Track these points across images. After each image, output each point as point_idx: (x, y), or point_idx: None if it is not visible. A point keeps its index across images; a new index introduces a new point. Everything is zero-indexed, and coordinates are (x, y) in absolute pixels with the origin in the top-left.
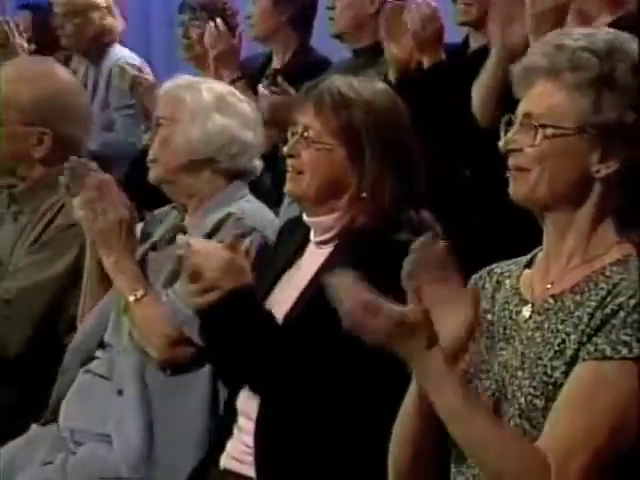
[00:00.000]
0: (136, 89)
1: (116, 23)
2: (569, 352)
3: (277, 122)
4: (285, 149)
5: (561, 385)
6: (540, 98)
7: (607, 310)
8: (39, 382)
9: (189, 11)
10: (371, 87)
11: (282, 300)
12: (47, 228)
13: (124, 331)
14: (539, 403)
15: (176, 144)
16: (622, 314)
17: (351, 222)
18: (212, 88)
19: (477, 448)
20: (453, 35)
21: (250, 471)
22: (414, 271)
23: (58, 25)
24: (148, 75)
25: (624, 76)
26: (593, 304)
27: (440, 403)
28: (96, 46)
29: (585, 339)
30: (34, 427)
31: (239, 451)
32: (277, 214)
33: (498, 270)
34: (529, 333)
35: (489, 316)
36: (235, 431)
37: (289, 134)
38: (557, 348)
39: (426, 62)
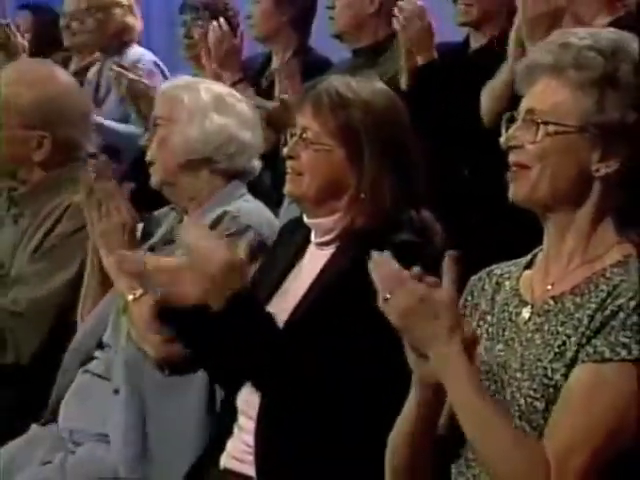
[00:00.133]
0: (130, 94)
1: (137, 22)
2: (569, 354)
3: (276, 125)
4: (284, 150)
5: (561, 387)
6: (543, 95)
7: (607, 312)
8: (39, 382)
9: (191, 11)
10: (369, 87)
11: (285, 302)
12: (49, 235)
13: (123, 331)
14: (539, 405)
15: (174, 144)
16: (622, 316)
17: (351, 223)
18: (210, 88)
19: (483, 439)
20: (453, 35)
21: (250, 470)
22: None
23: (79, 20)
24: (143, 79)
25: (627, 76)
26: (593, 306)
27: (454, 389)
28: (116, 43)
29: (585, 341)
30: (34, 427)
31: (239, 450)
32: (277, 215)
33: (498, 271)
34: (529, 335)
35: (488, 317)
36: (235, 430)
37: (288, 135)
38: (557, 350)
39: (419, 61)
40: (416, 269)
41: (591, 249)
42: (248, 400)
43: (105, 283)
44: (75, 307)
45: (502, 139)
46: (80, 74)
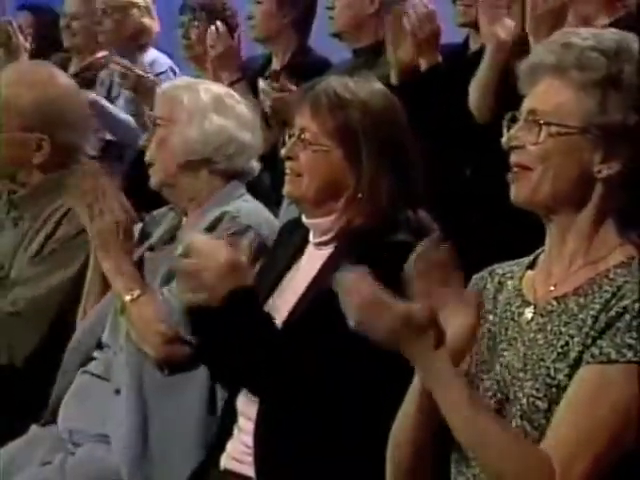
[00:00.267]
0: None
1: (153, 24)
2: (573, 354)
3: (277, 120)
4: (283, 151)
5: (564, 387)
6: (546, 95)
7: (612, 313)
8: (38, 383)
9: (189, 12)
10: (367, 87)
11: (283, 302)
12: (50, 238)
13: (121, 331)
14: (541, 405)
15: (173, 144)
16: (627, 317)
17: (349, 223)
18: (210, 89)
19: (480, 448)
20: (454, 36)
21: (250, 471)
22: (419, 272)
23: (96, 21)
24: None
25: (630, 77)
26: (597, 307)
27: (444, 403)
28: (133, 45)
29: (589, 342)
30: (34, 428)
31: (239, 451)
32: (276, 215)
33: (500, 271)
34: (531, 335)
35: (491, 317)
36: (235, 431)
37: (286, 136)
38: (560, 350)
39: (423, 64)
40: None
41: (593, 250)
42: (248, 401)
43: (107, 284)
44: (75, 307)
45: (504, 139)
46: (80, 75)
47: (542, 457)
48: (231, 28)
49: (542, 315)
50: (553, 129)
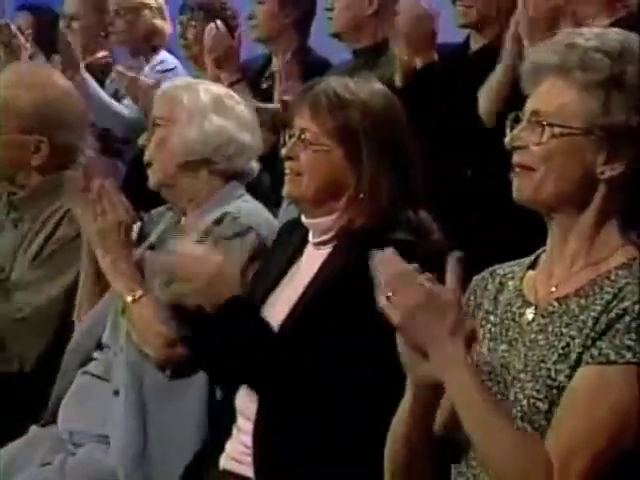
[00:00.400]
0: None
1: (165, 25)
2: (573, 356)
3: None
4: (283, 152)
5: (565, 388)
6: (549, 96)
7: (612, 314)
8: (39, 384)
9: (188, 11)
10: (367, 88)
11: (282, 301)
12: (49, 241)
13: (122, 332)
14: (542, 406)
15: (173, 144)
16: (627, 319)
17: (349, 223)
18: (209, 89)
19: (484, 438)
20: (454, 36)
21: (249, 471)
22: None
23: (108, 22)
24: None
25: (633, 78)
26: (598, 308)
27: (455, 388)
28: (145, 46)
29: (589, 343)
30: (33, 428)
31: (238, 451)
32: (276, 215)
33: (501, 271)
34: (532, 336)
35: (492, 317)
36: (234, 431)
37: (286, 137)
38: (561, 351)
39: (418, 63)
40: (414, 266)
41: (595, 251)
42: (246, 401)
43: (101, 284)
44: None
45: (507, 139)
46: None
47: (543, 455)
48: (231, 28)
49: (543, 316)
50: (556, 130)
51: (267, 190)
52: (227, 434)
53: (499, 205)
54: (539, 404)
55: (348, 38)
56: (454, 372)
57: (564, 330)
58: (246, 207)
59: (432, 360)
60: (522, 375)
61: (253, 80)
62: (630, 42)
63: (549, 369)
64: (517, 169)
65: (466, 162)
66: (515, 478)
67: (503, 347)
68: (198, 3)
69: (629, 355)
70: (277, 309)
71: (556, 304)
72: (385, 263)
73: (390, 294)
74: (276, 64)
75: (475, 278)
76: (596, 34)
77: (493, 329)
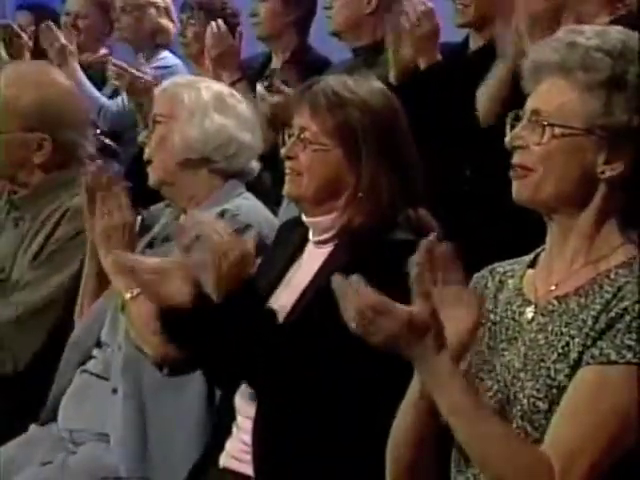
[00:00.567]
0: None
1: (171, 25)
2: (573, 355)
3: (277, 123)
4: (283, 151)
5: (565, 388)
6: (549, 95)
7: (612, 314)
8: (38, 383)
9: (188, 10)
10: (366, 86)
11: (283, 300)
12: (48, 240)
13: (120, 329)
14: (542, 406)
15: (173, 142)
16: (627, 318)
17: (349, 222)
18: (211, 87)
19: (481, 449)
20: (453, 35)
21: (249, 470)
22: (420, 272)
23: (114, 19)
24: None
25: (634, 78)
26: (598, 307)
27: (446, 404)
28: (151, 44)
29: (590, 342)
30: (33, 427)
31: (238, 450)
32: (276, 214)
33: (500, 270)
34: (532, 335)
35: (492, 316)
36: (234, 430)
37: (286, 136)
38: (561, 351)
39: (422, 63)
40: (432, 236)
41: (595, 250)
42: (246, 399)
43: (103, 284)
44: (74, 308)
45: (507, 138)
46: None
47: (542, 458)
48: (231, 27)
49: (543, 315)
50: (557, 130)
51: (268, 189)
52: (227, 432)
53: (498, 205)
54: (539, 403)
55: (347, 37)
56: (443, 390)
57: (564, 329)
58: (246, 205)
59: (421, 376)
60: (522, 374)
61: (254, 79)
62: (631, 41)
63: (549, 368)
64: (517, 169)
65: (465, 162)
66: None
67: (503, 346)
68: (198, 2)
69: (630, 355)
70: (277, 307)
71: (556, 303)
72: (352, 294)
73: (354, 324)
74: (276, 62)
75: (475, 276)
76: (597, 32)
77: (493, 327)
